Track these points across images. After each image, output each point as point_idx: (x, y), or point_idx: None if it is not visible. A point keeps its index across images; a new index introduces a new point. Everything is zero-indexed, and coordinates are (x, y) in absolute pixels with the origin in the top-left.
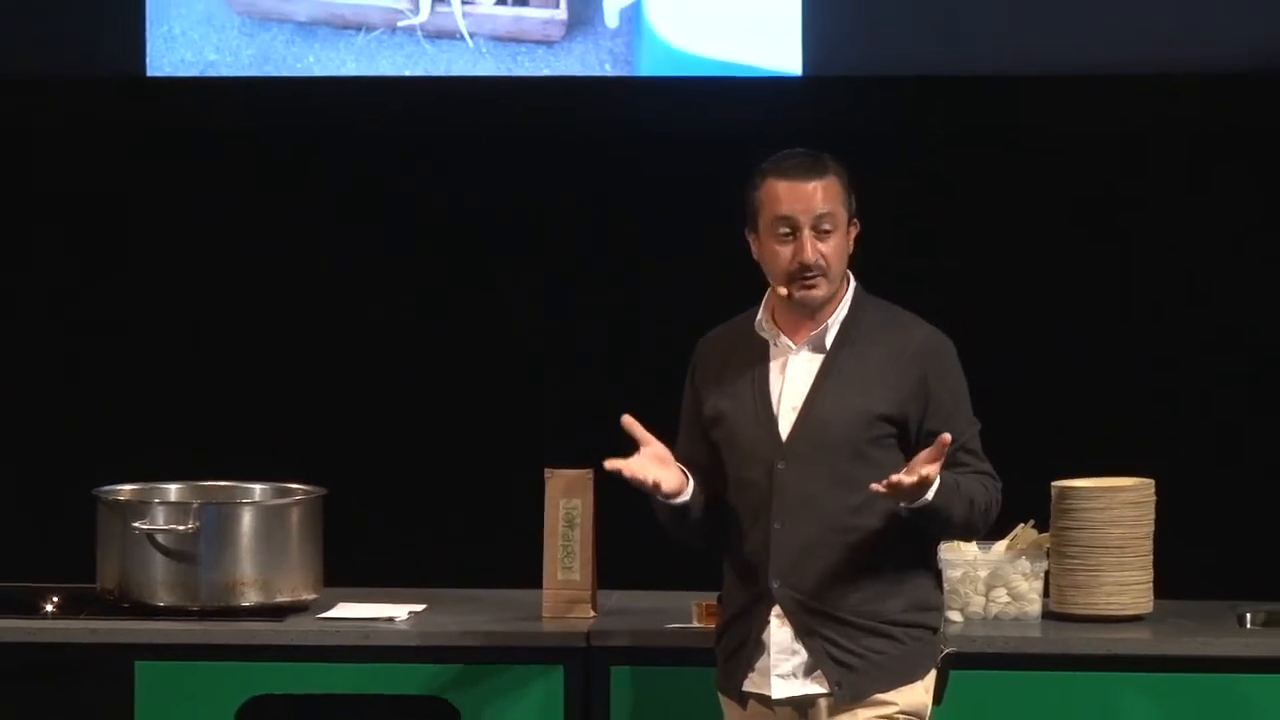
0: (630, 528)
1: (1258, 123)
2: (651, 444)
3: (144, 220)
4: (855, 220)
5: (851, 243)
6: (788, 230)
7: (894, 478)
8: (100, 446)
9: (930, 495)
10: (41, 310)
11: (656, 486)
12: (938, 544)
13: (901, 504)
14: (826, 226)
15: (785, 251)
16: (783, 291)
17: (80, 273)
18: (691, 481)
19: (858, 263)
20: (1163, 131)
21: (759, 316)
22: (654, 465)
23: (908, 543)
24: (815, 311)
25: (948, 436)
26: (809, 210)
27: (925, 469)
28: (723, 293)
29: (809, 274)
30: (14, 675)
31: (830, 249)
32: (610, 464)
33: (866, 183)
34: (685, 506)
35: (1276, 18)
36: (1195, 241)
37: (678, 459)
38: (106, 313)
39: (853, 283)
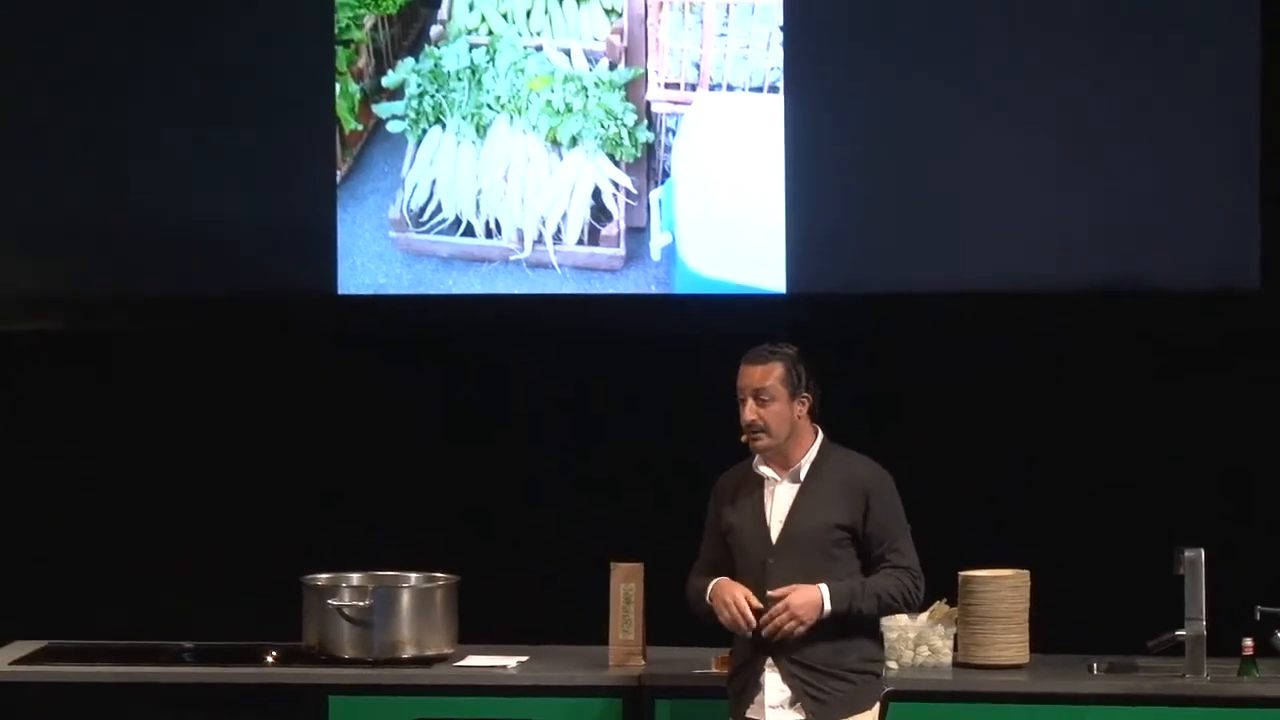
0: (668, 606)
1: (1107, 333)
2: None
3: (331, 387)
4: (805, 395)
5: (804, 410)
6: (741, 398)
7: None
8: (307, 547)
9: (829, 608)
10: (256, 456)
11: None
12: (888, 616)
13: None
14: (764, 398)
15: (741, 412)
16: (743, 439)
17: (293, 423)
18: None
19: (826, 421)
20: (1045, 336)
21: (756, 459)
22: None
23: (870, 616)
24: (789, 456)
25: (781, 623)
26: (749, 386)
27: (777, 625)
28: (730, 441)
29: (750, 430)
30: (243, 707)
31: (769, 414)
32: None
33: (831, 367)
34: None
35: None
36: (1056, 419)
37: (703, 556)
38: (306, 456)
39: (820, 435)
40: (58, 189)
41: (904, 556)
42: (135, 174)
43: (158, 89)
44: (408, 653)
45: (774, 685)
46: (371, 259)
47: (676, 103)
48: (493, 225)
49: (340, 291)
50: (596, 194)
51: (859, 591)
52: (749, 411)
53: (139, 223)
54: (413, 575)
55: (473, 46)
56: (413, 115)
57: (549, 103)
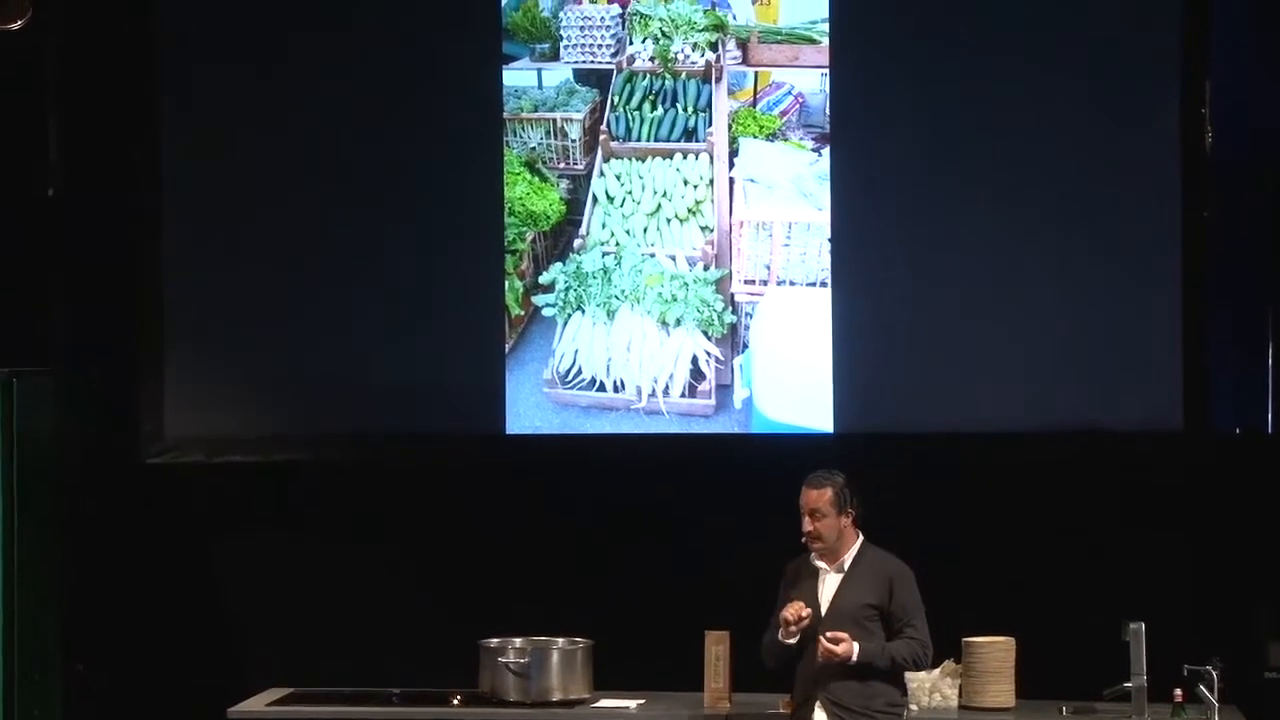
0: (747, 662)
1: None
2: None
3: (500, 500)
4: (850, 509)
5: (849, 521)
6: (802, 514)
7: (824, 651)
8: (483, 619)
9: (854, 659)
10: (444, 550)
11: (802, 616)
12: (903, 672)
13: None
14: (818, 515)
15: (802, 524)
16: (803, 540)
17: (472, 526)
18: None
19: (865, 524)
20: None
21: (813, 555)
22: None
23: (885, 670)
24: (837, 554)
25: (829, 648)
26: (806, 505)
27: (825, 649)
28: (789, 539)
29: (808, 538)
30: None
31: (821, 526)
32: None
33: (869, 490)
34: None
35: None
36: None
37: (771, 622)
38: (481, 550)
39: (860, 537)
40: (299, 352)
41: (918, 631)
42: (353, 345)
43: (383, 297)
44: (556, 697)
45: (820, 718)
46: (530, 408)
47: (753, 294)
48: (619, 383)
49: (507, 432)
50: (694, 360)
51: (878, 652)
52: (807, 524)
53: (358, 379)
54: (560, 639)
55: (604, 254)
56: (561, 303)
57: (660, 294)
